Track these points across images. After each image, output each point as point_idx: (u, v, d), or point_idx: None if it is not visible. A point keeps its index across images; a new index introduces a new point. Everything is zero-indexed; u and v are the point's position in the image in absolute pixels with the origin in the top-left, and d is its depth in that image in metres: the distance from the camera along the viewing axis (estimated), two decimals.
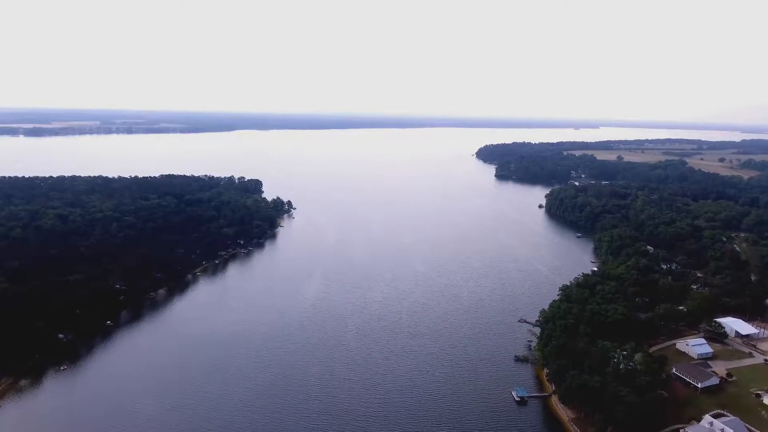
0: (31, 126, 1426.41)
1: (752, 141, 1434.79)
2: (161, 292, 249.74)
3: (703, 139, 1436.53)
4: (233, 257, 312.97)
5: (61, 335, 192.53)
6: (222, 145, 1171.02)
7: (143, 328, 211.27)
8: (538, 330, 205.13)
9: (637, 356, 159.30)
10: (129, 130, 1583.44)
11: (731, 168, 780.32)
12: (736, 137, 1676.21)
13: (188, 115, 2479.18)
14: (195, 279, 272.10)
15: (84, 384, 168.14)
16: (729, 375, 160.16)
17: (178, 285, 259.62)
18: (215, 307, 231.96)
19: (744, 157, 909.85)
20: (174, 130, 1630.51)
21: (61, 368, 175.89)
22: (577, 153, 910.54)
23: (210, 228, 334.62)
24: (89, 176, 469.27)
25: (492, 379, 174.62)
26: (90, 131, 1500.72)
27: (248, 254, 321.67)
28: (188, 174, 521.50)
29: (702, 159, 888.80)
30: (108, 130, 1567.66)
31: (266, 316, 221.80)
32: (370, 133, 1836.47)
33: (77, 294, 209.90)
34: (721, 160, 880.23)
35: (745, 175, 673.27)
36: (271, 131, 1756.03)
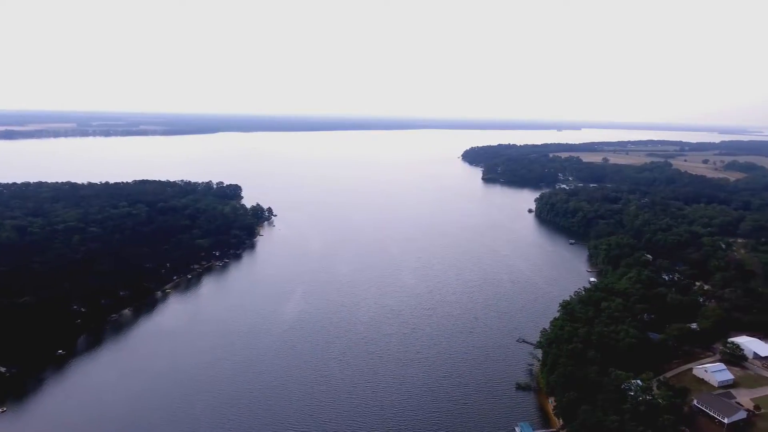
0: (3, 129, 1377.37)
1: (731, 142, 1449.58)
2: (126, 312, 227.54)
3: (684, 140, 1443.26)
4: (208, 271, 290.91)
5: (3, 368, 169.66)
6: (203, 148, 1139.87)
7: (101, 358, 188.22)
8: (539, 352, 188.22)
9: (656, 388, 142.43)
10: (107, 133, 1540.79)
11: (716, 170, 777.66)
12: (715, 138, 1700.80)
13: (170, 117, 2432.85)
14: (165, 296, 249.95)
15: (26, 430, 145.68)
16: (757, 407, 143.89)
17: (146, 304, 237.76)
18: (184, 332, 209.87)
19: (727, 158, 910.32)
20: (155, 133, 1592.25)
21: (1, 410, 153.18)
22: (563, 155, 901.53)
23: (183, 239, 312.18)
24: (56, 182, 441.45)
25: (492, 413, 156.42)
26: (66, 134, 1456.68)
27: (224, 267, 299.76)
28: (164, 179, 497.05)
29: (686, 160, 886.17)
30: (84, 133, 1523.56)
31: (240, 342, 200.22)
32: (355, 135, 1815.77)
33: (26, 318, 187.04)
34: (705, 161, 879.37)
35: (731, 176, 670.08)
36: (256, 133, 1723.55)
